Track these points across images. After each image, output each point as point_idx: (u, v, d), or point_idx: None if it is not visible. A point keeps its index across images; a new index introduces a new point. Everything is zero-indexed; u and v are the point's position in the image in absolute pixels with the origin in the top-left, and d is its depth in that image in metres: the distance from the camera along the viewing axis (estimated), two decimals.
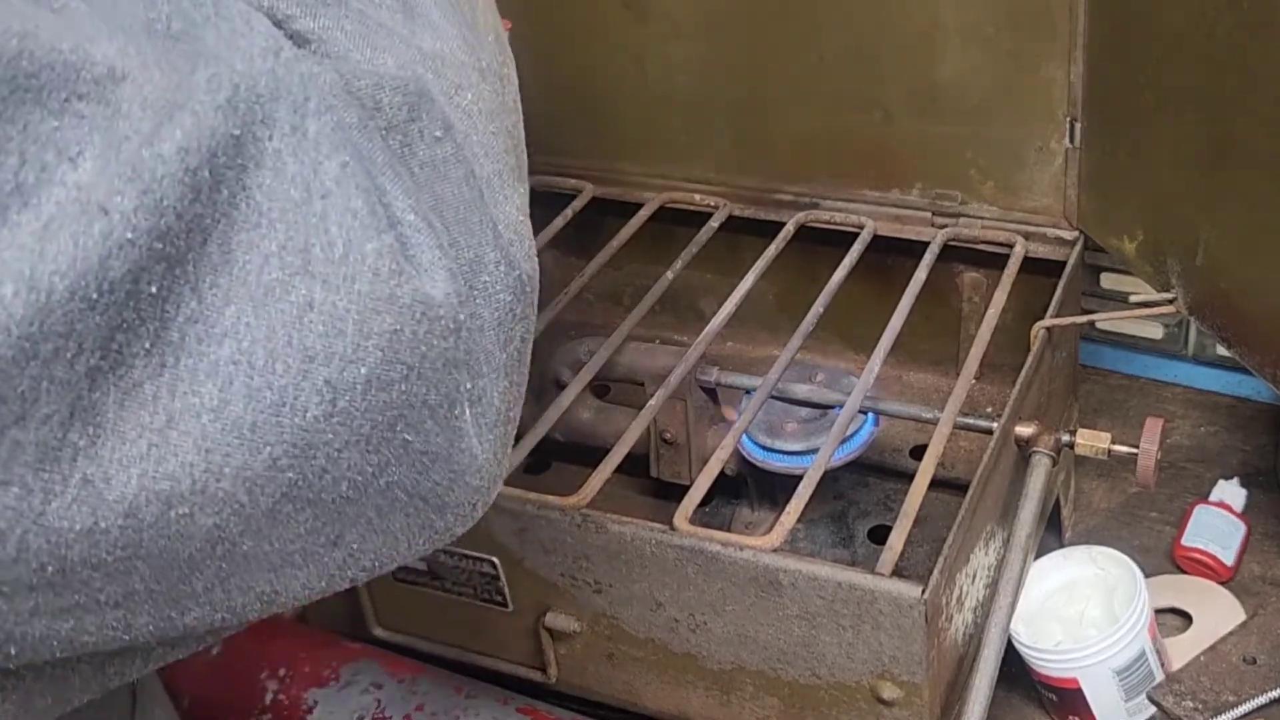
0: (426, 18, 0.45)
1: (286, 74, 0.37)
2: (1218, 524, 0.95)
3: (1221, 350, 1.05)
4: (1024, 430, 0.81)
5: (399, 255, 0.38)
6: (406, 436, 0.39)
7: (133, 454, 0.34)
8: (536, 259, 0.47)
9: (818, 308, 0.90)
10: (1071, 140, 0.92)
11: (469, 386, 0.42)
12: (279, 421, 0.36)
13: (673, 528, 0.74)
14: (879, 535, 0.92)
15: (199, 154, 0.34)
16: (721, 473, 0.80)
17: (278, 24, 0.42)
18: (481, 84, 0.46)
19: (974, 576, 0.78)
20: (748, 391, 0.88)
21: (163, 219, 0.34)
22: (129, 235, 0.33)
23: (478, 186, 0.43)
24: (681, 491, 0.78)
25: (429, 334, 0.39)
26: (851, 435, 0.84)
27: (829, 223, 1.00)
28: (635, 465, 0.90)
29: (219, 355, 0.35)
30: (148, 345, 0.34)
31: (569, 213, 1.04)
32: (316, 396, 0.37)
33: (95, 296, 0.33)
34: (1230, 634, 0.82)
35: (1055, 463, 0.82)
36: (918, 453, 0.98)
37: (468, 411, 0.41)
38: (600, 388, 0.98)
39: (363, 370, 0.37)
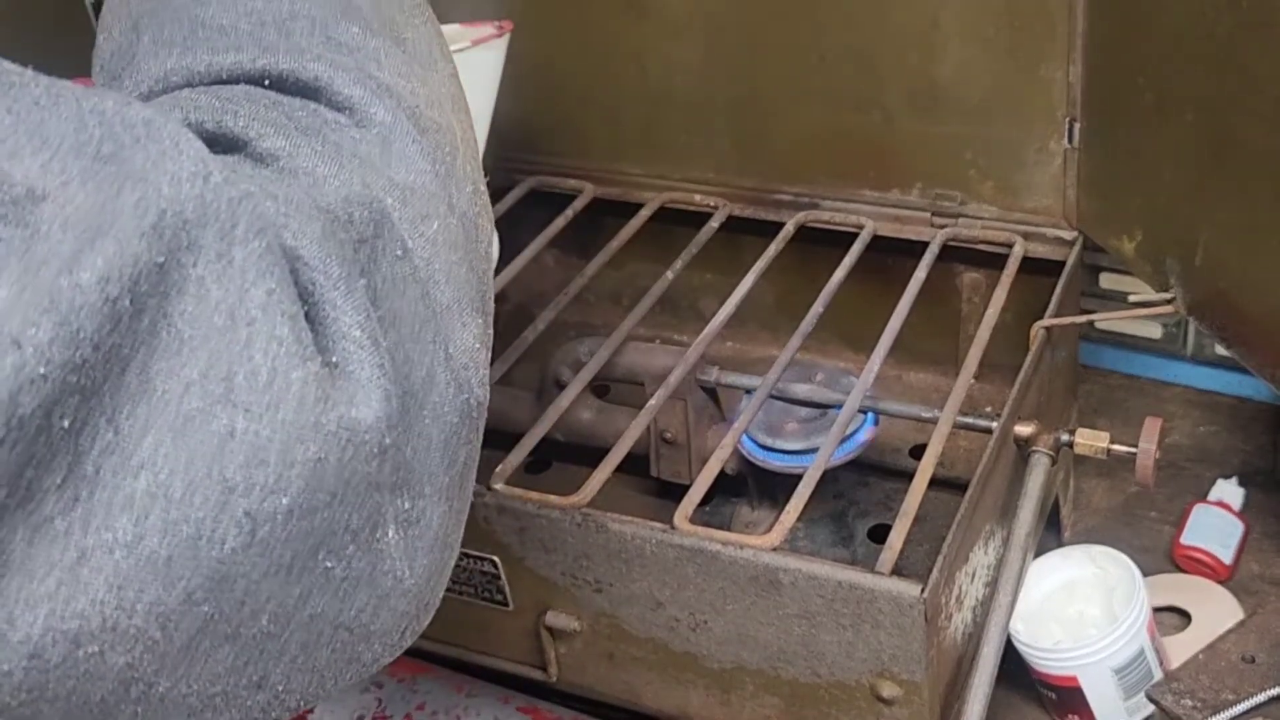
0: (403, 153, 0.45)
1: (215, 198, 0.36)
2: (1217, 523, 0.95)
3: (1220, 350, 1.05)
4: (1023, 430, 0.81)
5: (326, 381, 0.37)
6: (328, 564, 0.38)
7: (40, 592, 0.33)
8: (488, 388, 0.46)
9: (817, 308, 0.90)
10: (1071, 140, 0.92)
11: (406, 507, 0.41)
12: (196, 554, 0.35)
13: (673, 527, 0.74)
14: (879, 534, 0.92)
15: (120, 282, 0.33)
16: (721, 472, 0.80)
17: (243, 143, 0.41)
18: (449, 217, 0.45)
19: (973, 575, 0.78)
20: (748, 391, 0.88)
21: (79, 351, 0.32)
22: (42, 370, 0.32)
23: (433, 308, 0.43)
24: (681, 491, 0.78)
25: (354, 459, 0.38)
26: (851, 435, 0.84)
27: (829, 223, 1.00)
28: (635, 465, 0.90)
29: (135, 487, 0.34)
30: (59, 480, 0.33)
31: (569, 213, 1.04)
32: (235, 528, 0.35)
33: (3, 433, 0.31)
34: (1229, 633, 0.82)
35: (1054, 462, 0.82)
36: (917, 452, 0.98)
37: (391, 534, 0.40)
38: (600, 387, 0.98)
39: (284, 500, 0.36)
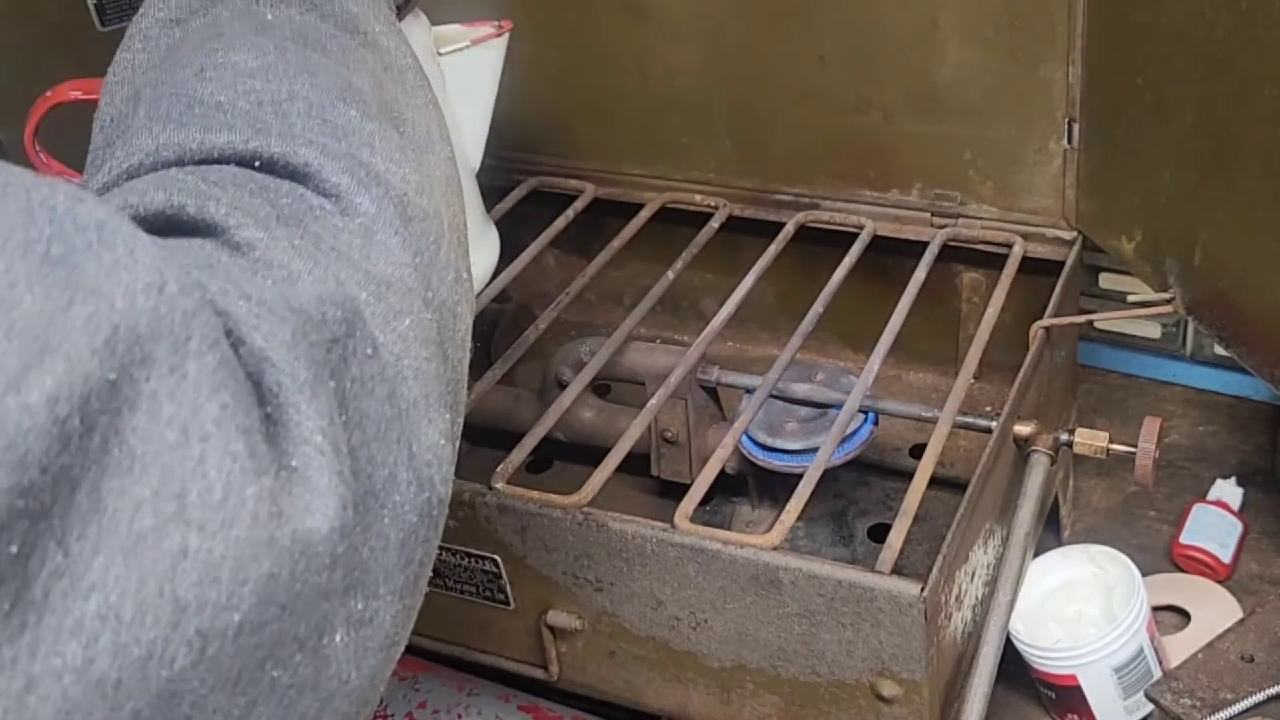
0: (385, 245, 0.44)
1: (169, 311, 0.35)
2: (1216, 523, 0.95)
3: (1219, 350, 1.05)
4: (1023, 429, 0.81)
5: (282, 494, 0.37)
6: (275, 673, 0.37)
7: None
8: (451, 484, 0.45)
9: (817, 308, 0.90)
10: (1070, 141, 0.92)
11: (359, 608, 0.40)
12: (145, 675, 0.34)
13: (673, 526, 0.74)
14: (878, 534, 0.92)
15: (70, 401, 0.32)
16: (722, 471, 0.80)
17: (221, 230, 0.41)
18: (424, 311, 0.45)
19: (973, 575, 0.78)
20: (748, 391, 0.88)
21: (26, 475, 0.31)
22: None
23: (399, 406, 0.42)
24: (682, 490, 0.78)
25: (306, 571, 0.37)
26: (851, 434, 0.84)
27: (829, 223, 1.01)
28: (636, 464, 0.90)
29: (85, 610, 0.33)
30: (7, 607, 0.32)
31: (570, 213, 1.04)
32: (186, 646, 0.34)
33: None
34: (1228, 632, 0.82)
35: (1054, 462, 0.82)
36: (917, 452, 0.98)
37: (339, 638, 0.40)
38: (601, 387, 0.98)
39: (236, 616, 0.35)
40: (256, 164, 0.44)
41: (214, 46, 0.48)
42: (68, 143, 0.75)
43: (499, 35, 0.86)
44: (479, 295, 0.91)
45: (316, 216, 0.43)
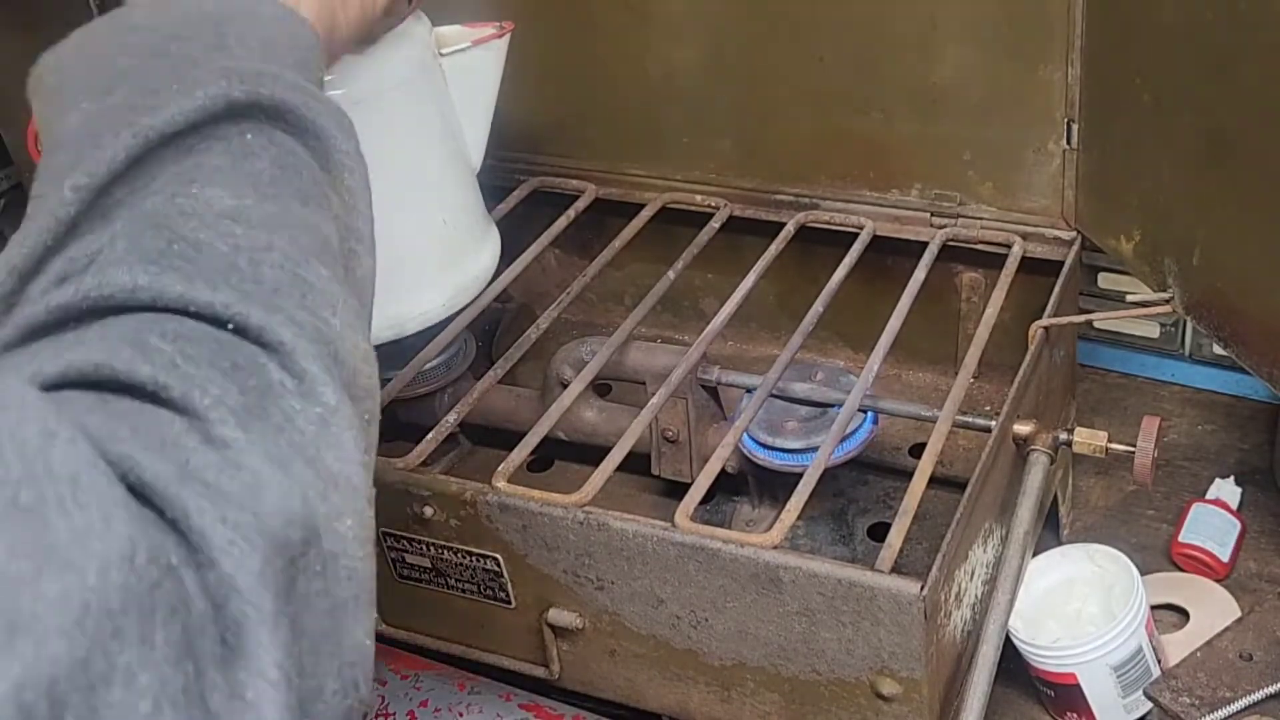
0: (338, 439, 0.44)
1: (138, 583, 0.35)
2: (1214, 522, 0.95)
3: (1218, 349, 1.05)
4: (1022, 429, 0.81)
5: None
6: None
7: None
8: (372, 680, 0.46)
9: (818, 307, 0.90)
10: (1069, 141, 0.92)
11: None
12: None
13: (674, 525, 0.74)
14: (878, 532, 0.92)
15: (37, 687, 0.32)
16: (722, 470, 0.80)
17: (202, 420, 0.41)
18: (365, 511, 0.45)
19: (972, 573, 0.78)
20: (748, 390, 0.88)
21: None
22: None
23: (334, 614, 0.43)
24: (683, 489, 0.78)
25: None
26: (851, 433, 0.84)
27: (829, 223, 1.01)
28: (637, 463, 0.90)
29: None
30: None
31: (571, 213, 1.04)
32: None
33: None
34: (1226, 630, 0.82)
35: (1053, 461, 0.82)
36: (917, 451, 0.98)
37: None
38: (602, 387, 0.98)
39: None
40: (230, 327, 0.44)
41: (190, 176, 0.47)
42: None
43: (500, 36, 0.86)
44: (479, 296, 0.91)
45: (279, 396, 0.43)
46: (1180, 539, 0.94)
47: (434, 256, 0.87)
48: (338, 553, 0.43)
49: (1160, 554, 0.95)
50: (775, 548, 0.71)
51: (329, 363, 0.45)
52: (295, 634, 0.40)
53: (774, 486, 0.90)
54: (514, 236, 0.98)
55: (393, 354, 0.95)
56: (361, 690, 0.44)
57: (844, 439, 0.83)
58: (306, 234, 0.48)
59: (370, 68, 0.80)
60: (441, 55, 0.85)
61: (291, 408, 0.43)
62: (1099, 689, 0.81)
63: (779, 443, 0.85)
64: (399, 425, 0.99)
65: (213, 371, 0.42)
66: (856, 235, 0.97)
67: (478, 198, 0.91)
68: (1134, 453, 0.81)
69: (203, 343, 0.43)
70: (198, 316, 0.44)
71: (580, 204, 1.05)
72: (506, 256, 0.96)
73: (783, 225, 0.99)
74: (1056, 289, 0.89)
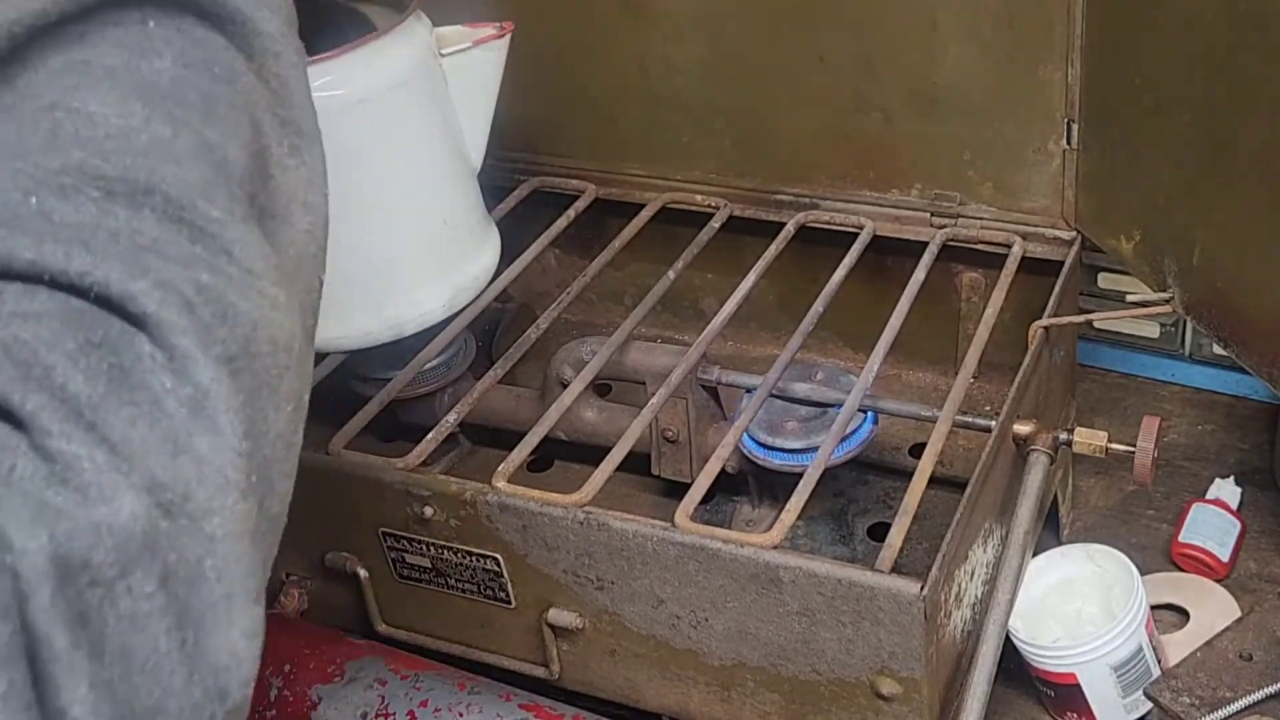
0: (211, 423, 0.40)
1: None
2: (1214, 522, 0.95)
3: (1218, 349, 1.05)
4: (1022, 428, 0.81)
5: None
6: None
7: None
8: (252, 684, 0.43)
9: (818, 307, 0.90)
10: (1069, 142, 0.92)
11: None
12: None
13: (674, 525, 0.74)
14: (878, 532, 0.92)
15: None
16: (722, 470, 0.80)
17: (28, 428, 0.37)
18: (240, 504, 0.41)
19: (972, 573, 0.78)
20: (748, 390, 0.88)
21: None
22: None
23: (189, 625, 0.40)
24: (683, 489, 0.78)
25: None
26: (851, 433, 0.84)
27: (829, 223, 1.00)
28: (637, 463, 0.90)
29: None
30: None
31: (571, 213, 1.04)
32: None
33: None
34: (1226, 630, 0.82)
35: (1053, 461, 0.82)
36: (917, 451, 0.98)
37: None
38: (602, 387, 0.98)
39: None
40: (91, 296, 0.39)
41: (76, 78, 0.42)
42: None
43: (500, 36, 0.86)
44: (479, 296, 0.91)
45: (146, 374, 0.39)
46: (1180, 539, 0.94)
47: (434, 257, 0.87)
48: (201, 555, 0.40)
49: (1160, 554, 0.95)
50: (775, 548, 0.71)
51: (208, 329, 0.40)
52: (109, 661, 0.38)
53: (774, 486, 0.90)
54: (514, 236, 0.98)
55: (392, 354, 0.95)
56: (233, 697, 0.41)
57: (844, 439, 0.83)
58: (201, 162, 0.43)
59: (370, 68, 0.79)
60: (442, 55, 0.85)
61: (161, 386, 0.39)
62: (1099, 689, 0.81)
63: (779, 443, 0.85)
64: (399, 425, 0.99)
65: (58, 358, 0.38)
66: (856, 235, 0.97)
67: (478, 198, 0.91)
68: (1134, 453, 0.81)
69: (50, 321, 0.38)
70: (53, 285, 0.39)
71: (580, 204, 1.05)
72: (506, 256, 0.96)
73: (783, 225, 0.99)
74: (1056, 289, 0.89)
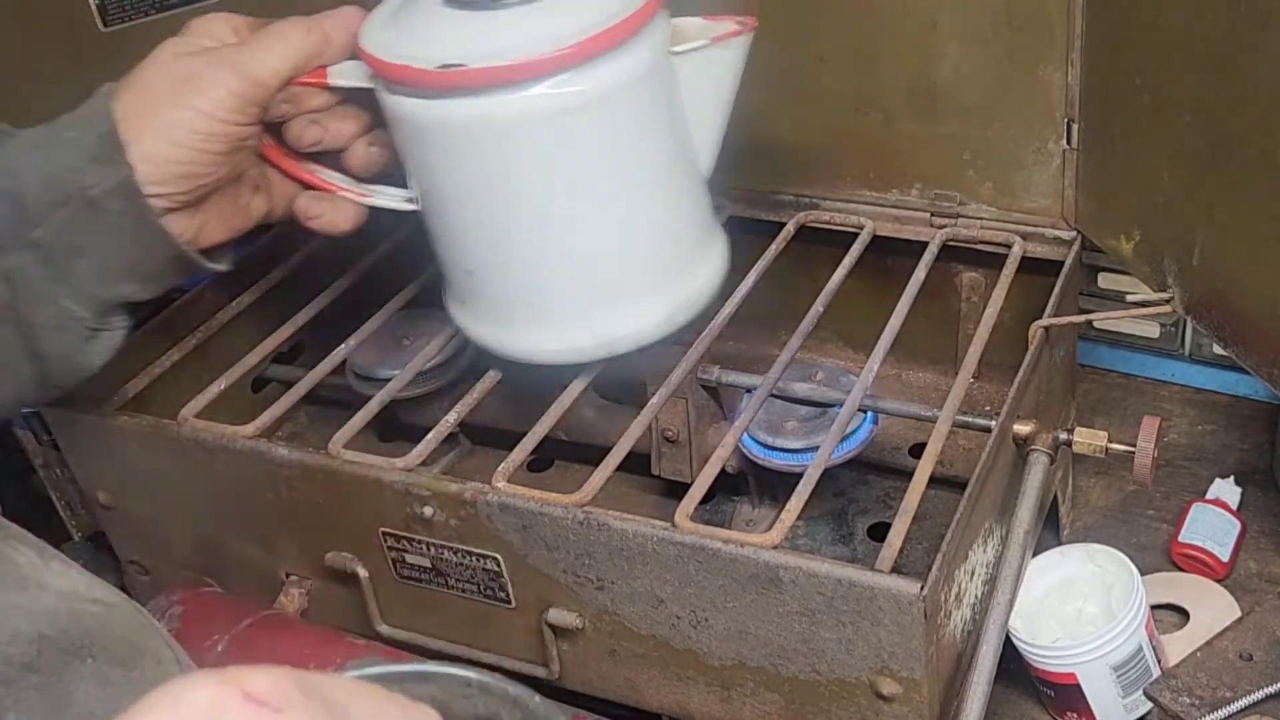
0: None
1: None
2: (1214, 522, 0.95)
3: (1218, 349, 1.06)
4: (1022, 428, 0.81)
5: None
6: None
7: None
8: None
9: (818, 307, 0.90)
10: (1069, 141, 0.92)
11: None
12: None
13: (674, 525, 0.74)
14: (878, 532, 0.92)
15: None
16: (722, 471, 0.80)
17: None
18: None
19: (972, 573, 0.78)
20: (748, 390, 0.88)
21: None
22: None
23: None
24: (683, 489, 0.78)
25: None
26: (851, 433, 0.84)
27: (829, 223, 1.01)
28: (637, 463, 0.90)
29: None
30: None
31: None
32: None
33: None
34: (1227, 630, 0.82)
35: (1053, 461, 0.82)
36: (917, 451, 0.98)
37: None
38: (602, 386, 0.98)
39: None
40: None
41: None
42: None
43: (740, 34, 0.80)
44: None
45: None
46: (1180, 539, 0.94)
47: (653, 268, 0.82)
48: None
49: (1160, 554, 0.96)
50: (775, 548, 0.71)
51: None
52: None
53: (774, 486, 0.90)
54: None
55: (395, 354, 0.95)
56: None
57: (844, 439, 0.83)
58: None
59: (609, 63, 0.74)
60: (674, 53, 0.78)
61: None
62: (1099, 689, 0.81)
63: (779, 443, 0.85)
64: (399, 425, 0.99)
65: None
66: (856, 235, 0.97)
67: (705, 205, 0.86)
68: (1134, 453, 0.81)
69: None
70: None
71: None
72: None
73: (783, 225, 0.99)
74: (1056, 289, 0.89)
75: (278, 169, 0.84)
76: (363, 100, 0.81)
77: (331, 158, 0.84)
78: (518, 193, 0.77)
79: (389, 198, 0.85)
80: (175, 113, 0.75)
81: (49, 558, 0.59)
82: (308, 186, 0.85)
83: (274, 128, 0.82)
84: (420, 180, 0.80)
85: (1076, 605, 0.85)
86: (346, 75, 0.79)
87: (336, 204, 0.84)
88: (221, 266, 0.83)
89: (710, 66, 0.80)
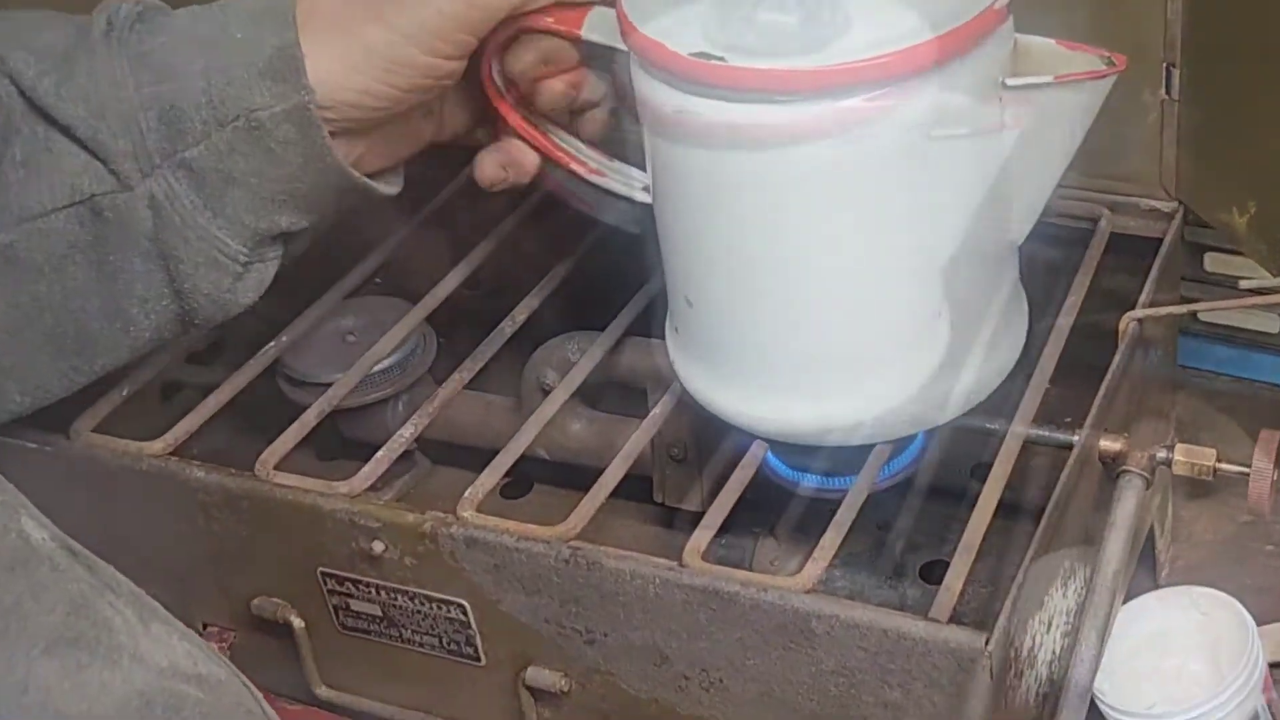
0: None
1: None
2: None
3: None
4: (1110, 445, 0.81)
5: None
6: None
7: None
8: None
9: None
10: (1169, 90, 0.92)
11: None
12: None
13: (682, 564, 0.74)
14: (933, 573, 0.92)
15: None
16: (741, 497, 0.80)
17: None
18: None
19: (1049, 623, 0.78)
20: None
21: None
22: None
23: None
24: (693, 520, 0.78)
25: None
26: (900, 450, 0.84)
27: None
28: (636, 488, 0.90)
29: None
30: None
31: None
32: None
33: None
34: None
35: (1149, 484, 0.82)
36: (980, 472, 0.98)
37: None
38: (592, 394, 0.98)
39: None
40: None
41: None
42: None
43: (1102, 77, 0.73)
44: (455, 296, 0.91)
45: None
46: None
47: (911, 356, 0.78)
48: None
49: None
50: (807, 592, 0.71)
51: None
52: None
53: (805, 517, 0.90)
54: (483, 208, 0.98)
55: (337, 353, 0.95)
56: None
57: (891, 457, 0.83)
58: None
59: (905, 89, 0.69)
60: (1005, 86, 0.72)
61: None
62: None
63: (810, 462, 0.85)
64: (342, 441, 0.99)
65: None
66: None
67: (1006, 283, 0.81)
68: (1249, 474, 0.81)
69: None
70: None
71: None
72: (480, 232, 0.96)
73: None
74: (1153, 273, 0.89)
75: (507, 125, 0.85)
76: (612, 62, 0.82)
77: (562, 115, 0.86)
78: (763, 223, 0.74)
79: (625, 181, 0.85)
80: (369, 30, 0.75)
81: (148, 617, 0.60)
82: (535, 149, 0.86)
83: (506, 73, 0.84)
84: (654, 173, 0.79)
85: (1176, 662, 0.85)
86: (602, 30, 0.79)
87: (520, 163, 0.86)
88: (393, 190, 0.84)
89: (1051, 111, 0.73)
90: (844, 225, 0.74)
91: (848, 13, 0.72)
